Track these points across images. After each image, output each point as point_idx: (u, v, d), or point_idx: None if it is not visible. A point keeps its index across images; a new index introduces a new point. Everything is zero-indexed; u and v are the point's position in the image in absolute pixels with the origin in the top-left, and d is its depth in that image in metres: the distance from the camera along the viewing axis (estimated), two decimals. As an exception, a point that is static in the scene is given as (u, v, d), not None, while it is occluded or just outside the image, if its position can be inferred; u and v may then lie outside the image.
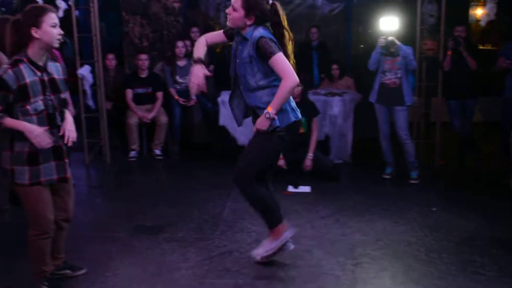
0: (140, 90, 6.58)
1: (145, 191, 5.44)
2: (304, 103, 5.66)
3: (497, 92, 6.28)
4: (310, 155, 5.60)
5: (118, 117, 6.64)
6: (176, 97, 6.62)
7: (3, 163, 2.98)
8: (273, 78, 3.24)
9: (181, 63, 6.67)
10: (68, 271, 3.43)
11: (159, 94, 6.60)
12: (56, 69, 3.06)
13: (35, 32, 2.85)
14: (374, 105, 5.52)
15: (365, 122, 6.58)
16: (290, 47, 3.25)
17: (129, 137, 6.54)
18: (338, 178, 5.62)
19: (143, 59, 6.51)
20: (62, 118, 3.06)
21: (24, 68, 2.85)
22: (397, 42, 5.16)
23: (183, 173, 5.96)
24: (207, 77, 7.52)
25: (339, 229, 4.25)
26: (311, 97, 5.99)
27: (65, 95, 3.10)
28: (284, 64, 3.12)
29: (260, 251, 3.57)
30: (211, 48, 7.76)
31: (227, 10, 3.23)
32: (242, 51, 3.22)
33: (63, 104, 3.07)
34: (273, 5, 3.19)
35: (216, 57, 7.84)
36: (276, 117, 3.20)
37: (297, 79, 3.14)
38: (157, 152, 6.59)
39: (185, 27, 7.63)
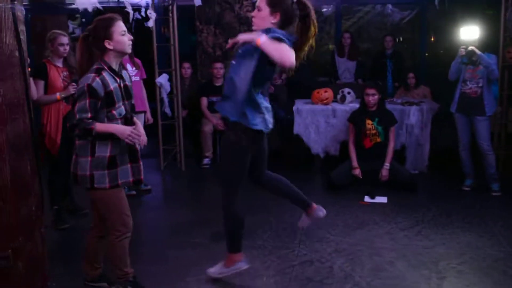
0: (215, 98, 6.70)
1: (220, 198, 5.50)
2: (381, 112, 5.61)
3: None
4: (386, 165, 5.52)
5: (192, 124, 6.80)
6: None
7: (80, 170, 3.00)
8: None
9: (255, 71, 6.74)
10: (105, 284, 3.40)
11: (233, 102, 6.68)
12: (126, 76, 3.16)
13: (108, 44, 2.94)
14: (454, 114, 5.37)
15: (442, 132, 6.44)
16: (311, 41, 3.10)
17: (203, 144, 6.67)
18: (414, 189, 5.50)
19: (218, 68, 6.63)
20: (133, 123, 3.16)
21: (106, 75, 2.95)
22: (477, 52, 5.00)
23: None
24: (279, 86, 7.64)
25: (421, 242, 4.16)
26: (388, 106, 5.90)
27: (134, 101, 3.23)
28: (286, 48, 2.87)
29: (213, 270, 3.55)
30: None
31: (252, 13, 3.11)
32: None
33: (133, 109, 3.20)
34: (299, 1, 3.04)
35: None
36: (261, 39, 2.85)
37: (293, 62, 2.85)
38: (230, 159, 6.67)
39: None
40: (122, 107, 3.04)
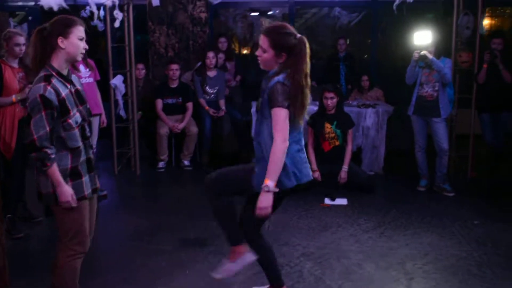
0: (170, 101, 6.58)
1: (180, 203, 5.40)
2: (340, 115, 5.67)
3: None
4: (345, 167, 5.59)
5: (147, 127, 6.65)
6: (207, 107, 6.62)
7: (43, 188, 2.77)
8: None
9: (211, 73, 6.68)
10: None
11: (189, 105, 6.60)
12: (76, 80, 2.94)
13: (61, 42, 2.72)
14: (411, 117, 5.51)
15: (395, 134, 6.60)
16: (307, 82, 2.90)
17: (158, 148, 6.53)
18: (373, 190, 5.60)
19: (174, 69, 6.52)
20: (90, 129, 2.99)
21: (56, 82, 2.71)
22: (429, 56, 5.15)
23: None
24: (234, 87, 7.58)
25: (385, 243, 4.23)
26: (344, 108, 5.97)
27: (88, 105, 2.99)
28: (281, 120, 2.80)
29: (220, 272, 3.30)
30: (238, 57, 7.81)
31: (256, 53, 2.96)
32: (264, 92, 2.92)
33: (90, 114, 2.97)
34: (300, 39, 2.88)
35: (243, 67, 7.87)
36: (277, 190, 2.83)
37: (287, 144, 2.81)
38: (186, 163, 6.58)
39: (212, 38, 7.65)
40: (78, 113, 2.79)
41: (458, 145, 6.28)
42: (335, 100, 5.58)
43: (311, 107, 6.16)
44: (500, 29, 8.80)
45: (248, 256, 3.18)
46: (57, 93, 2.67)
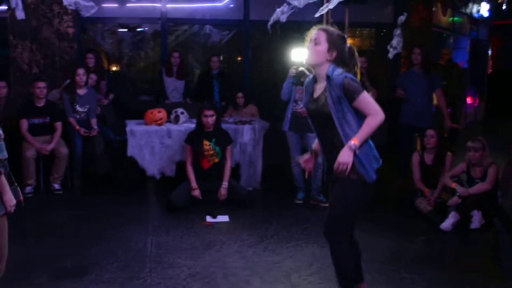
0: (36, 121, 6.13)
1: (54, 229, 5.00)
2: (218, 132, 5.68)
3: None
4: (225, 183, 5.60)
5: (11, 149, 6.10)
6: (77, 127, 6.27)
7: None
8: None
9: (81, 91, 6.35)
10: None
11: (58, 125, 6.20)
12: None
13: None
14: (286, 132, 5.68)
15: (270, 150, 6.76)
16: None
17: (24, 171, 6.04)
18: (253, 205, 5.67)
19: (42, 87, 6.08)
20: None
21: None
22: (307, 73, 5.37)
23: (90, 208, 5.60)
24: (106, 106, 7.29)
25: (270, 257, 4.28)
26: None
27: None
28: (371, 102, 2.95)
29: None
30: (109, 75, 7.52)
31: (307, 46, 3.06)
32: (330, 90, 2.98)
33: None
34: (350, 48, 3.07)
35: (117, 84, 7.61)
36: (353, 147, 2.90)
37: (384, 116, 2.94)
38: (56, 186, 6.16)
39: (80, 54, 7.30)
40: None
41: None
42: (214, 117, 5.58)
43: (188, 125, 6.14)
44: (359, 48, 9.46)
45: None
46: None
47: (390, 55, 5.61)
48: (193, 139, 5.65)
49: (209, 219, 5.24)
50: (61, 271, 3.98)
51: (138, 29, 9.39)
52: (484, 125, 12.65)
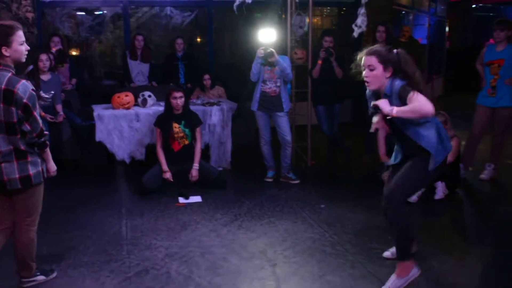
0: None
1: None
2: (187, 114, 5.70)
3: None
4: (196, 165, 5.65)
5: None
6: (43, 113, 6.16)
7: (18, 173, 3.17)
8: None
9: (45, 77, 6.24)
10: (42, 277, 3.56)
11: (23, 112, 6.08)
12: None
13: (5, 51, 3.02)
14: (255, 112, 5.74)
15: (238, 130, 6.83)
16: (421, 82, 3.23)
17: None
18: (224, 185, 5.73)
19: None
20: None
21: None
22: (276, 56, 5.42)
23: (60, 195, 5.54)
24: (70, 91, 7.18)
25: (245, 234, 4.37)
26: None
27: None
28: (421, 98, 3.07)
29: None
30: (71, 59, 7.39)
31: (364, 74, 3.22)
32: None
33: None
34: (398, 53, 3.21)
35: (78, 69, 7.50)
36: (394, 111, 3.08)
37: (433, 110, 3.07)
38: (24, 174, 6.07)
39: (41, 39, 7.15)
40: None
41: (297, 136, 6.71)
42: (183, 99, 5.59)
43: (156, 108, 6.14)
44: (321, 27, 9.58)
45: (415, 271, 3.37)
46: None
47: (355, 34, 5.71)
48: (163, 122, 5.66)
49: (182, 200, 5.28)
50: (37, 258, 3.94)
51: (97, 12, 9.24)
52: (444, 100, 13.01)
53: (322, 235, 4.31)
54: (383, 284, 3.39)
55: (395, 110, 3.08)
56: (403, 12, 11.63)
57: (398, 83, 3.15)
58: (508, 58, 5.51)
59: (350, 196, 5.33)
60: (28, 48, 3.17)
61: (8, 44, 3.02)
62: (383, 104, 3.13)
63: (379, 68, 3.19)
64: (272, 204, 5.12)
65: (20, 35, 3.08)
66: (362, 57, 3.26)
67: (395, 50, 3.24)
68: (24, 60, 3.16)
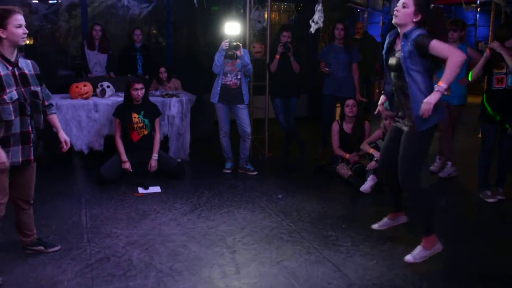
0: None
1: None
2: (146, 105, 5.74)
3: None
4: (155, 155, 5.70)
5: None
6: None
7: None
8: (429, 73, 3.47)
9: None
10: (41, 247, 3.78)
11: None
12: (26, 66, 3.44)
13: (2, 33, 3.21)
14: (215, 105, 5.83)
15: (196, 122, 6.91)
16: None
17: None
18: (183, 176, 5.81)
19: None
20: (35, 109, 3.44)
21: None
22: (241, 48, 5.53)
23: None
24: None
25: (204, 223, 4.47)
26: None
27: (36, 88, 3.45)
28: (444, 45, 3.30)
29: (411, 259, 3.66)
30: (27, 49, 7.26)
31: (396, 8, 3.42)
32: (404, 46, 3.42)
33: (34, 96, 3.42)
34: (437, 9, 3.39)
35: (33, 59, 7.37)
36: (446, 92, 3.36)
37: (464, 54, 3.27)
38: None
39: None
40: (14, 92, 3.25)
41: (255, 129, 6.85)
42: (144, 90, 5.63)
43: (115, 98, 6.14)
44: (279, 22, 9.74)
45: (439, 246, 3.67)
46: None
47: (312, 30, 5.88)
48: (122, 112, 5.67)
49: (141, 190, 5.33)
50: (-4, 246, 3.96)
51: (51, 1, 9.08)
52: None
53: (279, 223, 4.47)
54: (338, 268, 3.58)
55: (443, 86, 3.29)
56: (358, 10, 11.94)
57: (419, 31, 3.38)
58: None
59: (306, 187, 5.51)
60: (26, 31, 3.29)
61: (3, 26, 3.20)
62: (427, 106, 3.32)
63: (411, 8, 3.42)
64: (230, 194, 5.24)
65: (16, 18, 3.23)
66: None
67: (434, 5, 3.51)
68: (22, 43, 3.29)
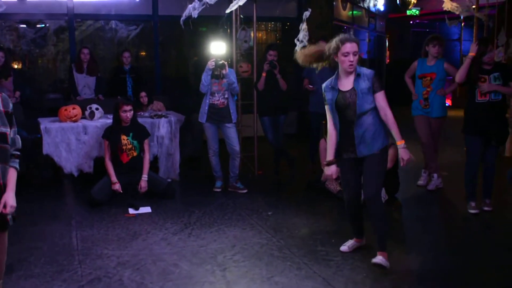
0: None
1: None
2: (135, 126, 5.78)
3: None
4: (145, 176, 5.73)
5: None
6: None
7: None
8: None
9: (-12, 90, 6.18)
10: None
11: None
12: None
13: None
14: (203, 124, 5.89)
15: (185, 142, 6.96)
16: None
17: None
18: (173, 196, 5.84)
19: None
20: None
21: None
22: (227, 67, 5.62)
23: (7, 208, 5.50)
24: (14, 104, 7.10)
25: (195, 242, 4.50)
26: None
27: (3, 129, 2.73)
28: (385, 98, 3.87)
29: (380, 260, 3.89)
30: (16, 73, 7.32)
31: (352, 59, 3.74)
32: (359, 84, 3.80)
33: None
34: None
35: (22, 83, 7.43)
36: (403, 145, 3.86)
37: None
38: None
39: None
40: None
41: (244, 147, 6.90)
42: (132, 112, 5.68)
43: (103, 120, 6.19)
44: (266, 41, 9.88)
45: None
46: None
47: (297, 48, 5.97)
48: (111, 134, 5.71)
49: (131, 211, 5.35)
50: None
51: (39, 25, 9.16)
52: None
53: (269, 240, 4.50)
54: (328, 283, 3.61)
55: (403, 143, 3.88)
56: (344, 27, 12.12)
57: (365, 69, 3.86)
58: (439, 72, 5.89)
59: (296, 203, 5.56)
60: None
61: None
62: (406, 155, 3.86)
63: (358, 53, 3.81)
64: (221, 213, 5.27)
65: None
66: (339, 44, 3.77)
67: None
68: None
